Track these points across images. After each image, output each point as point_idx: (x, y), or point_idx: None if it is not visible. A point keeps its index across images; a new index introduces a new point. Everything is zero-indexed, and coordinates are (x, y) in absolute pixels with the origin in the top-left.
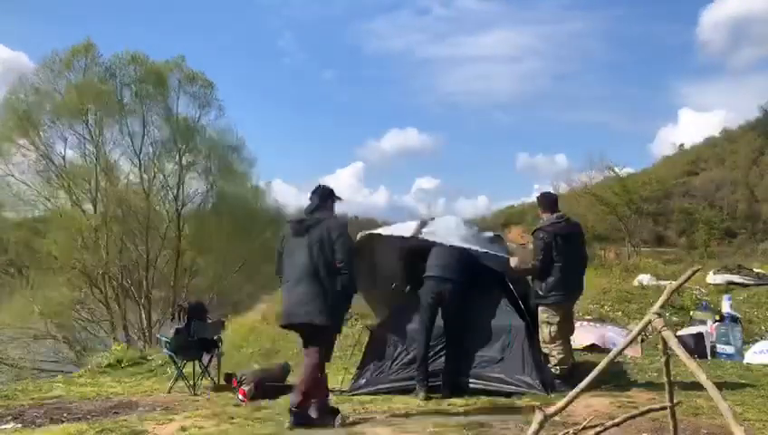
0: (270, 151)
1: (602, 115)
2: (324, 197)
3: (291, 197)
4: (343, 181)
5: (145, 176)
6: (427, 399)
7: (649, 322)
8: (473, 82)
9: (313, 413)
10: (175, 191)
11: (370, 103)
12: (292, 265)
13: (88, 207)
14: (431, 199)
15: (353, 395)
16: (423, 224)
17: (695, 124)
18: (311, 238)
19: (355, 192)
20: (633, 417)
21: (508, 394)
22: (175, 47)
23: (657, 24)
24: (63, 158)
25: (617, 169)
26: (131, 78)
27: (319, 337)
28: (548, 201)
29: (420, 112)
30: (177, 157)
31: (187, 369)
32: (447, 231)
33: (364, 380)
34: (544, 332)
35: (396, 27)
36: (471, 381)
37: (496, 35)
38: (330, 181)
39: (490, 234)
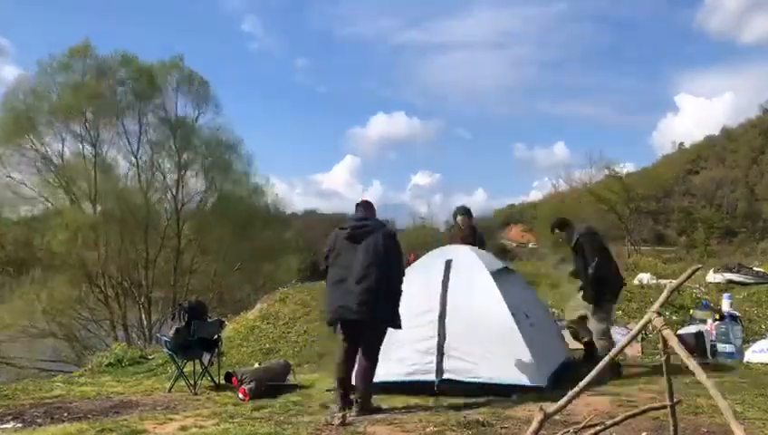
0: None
1: (597, 107)
2: (369, 207)
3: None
4: (338, 178)
5: (143, 175)
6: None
7: (649, 321)
8: (455, 71)
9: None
10: (174, 190)
11: (350, 95)
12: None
13: (87, 206)
14: (427, 196)
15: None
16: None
17: (698, 114)
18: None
19: (349, 188)
20: (633, 416)
21: (508, 393)
22: (127, 32)
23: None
24: (62, 157)
25: (615, 169)
26: (125, 77)
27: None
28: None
29: (405, 104)
30: (176, 156)
31: (188, 368)
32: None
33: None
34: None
35: (365, 10)
36: (469, 379)
37: (476, 18)
38: (324, 179)
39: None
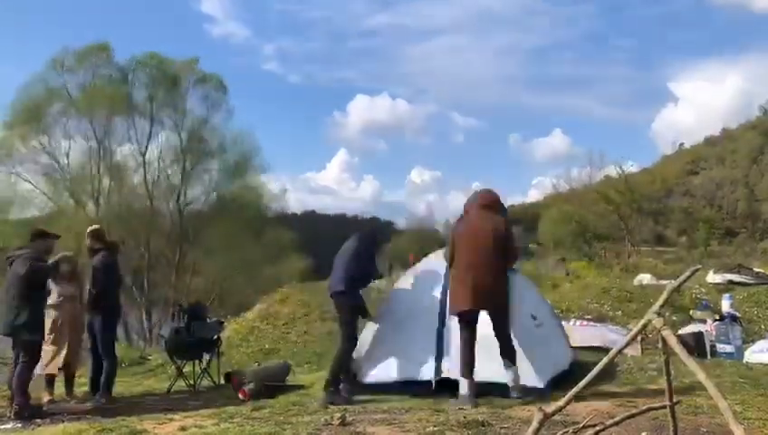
0: None
1: (591, 99)
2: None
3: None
4: (331, 174)
5: (149, 176)
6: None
7: (649, 321)
8: (435, 60)
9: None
10: (178, 191)
11: (326, 84)
12: None
13: (91, 207)
14: (424, 194)
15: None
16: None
17: (699, 103)
18: None
19: (341, 185)
20: (633, 416)
21: (508, 393)
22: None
23: None
24: (67, 156)
25: (622, 167)
26: (145, 80)
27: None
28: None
29: (388, 93)
30: (181, 157)
31: (187, 368)
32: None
33: (375, 369)
34: None
35: None
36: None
37: (454, 2)
38: (317, 177)
39: None
